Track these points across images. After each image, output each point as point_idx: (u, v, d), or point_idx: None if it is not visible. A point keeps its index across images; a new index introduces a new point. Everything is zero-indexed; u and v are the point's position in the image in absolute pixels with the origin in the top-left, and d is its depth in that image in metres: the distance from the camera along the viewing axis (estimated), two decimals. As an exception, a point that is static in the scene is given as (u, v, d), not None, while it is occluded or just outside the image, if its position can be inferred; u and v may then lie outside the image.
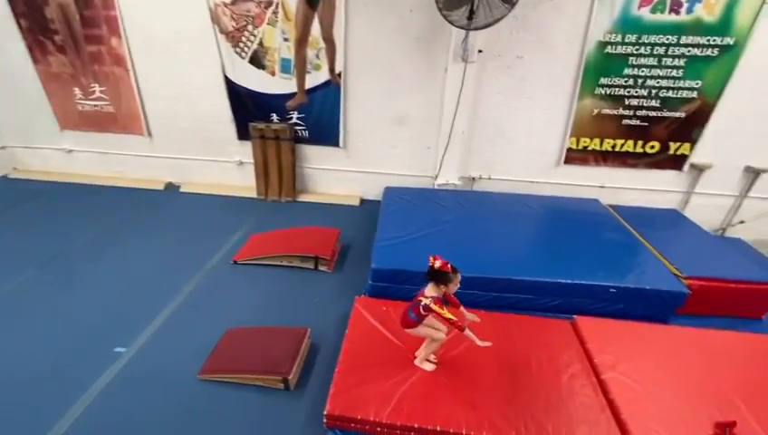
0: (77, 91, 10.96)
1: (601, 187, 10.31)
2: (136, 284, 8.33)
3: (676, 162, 9.97)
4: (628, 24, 8.99)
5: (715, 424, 5.93)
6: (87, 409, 6.49)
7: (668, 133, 9.72)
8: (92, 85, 10.84)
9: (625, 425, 5.91)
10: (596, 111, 9.65)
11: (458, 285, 6.01)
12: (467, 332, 5.91)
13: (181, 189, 11.45)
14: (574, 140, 9.94)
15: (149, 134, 11.22)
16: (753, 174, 9.94)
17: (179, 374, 6.91)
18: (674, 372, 6.54)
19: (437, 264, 5.94)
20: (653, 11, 8.87)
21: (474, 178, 10.54)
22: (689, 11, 8.83)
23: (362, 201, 11.16)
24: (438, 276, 5.97)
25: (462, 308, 6.21)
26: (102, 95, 10.91)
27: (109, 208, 10.50)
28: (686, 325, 7.36)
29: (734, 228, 10.34)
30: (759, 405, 6.17)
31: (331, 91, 10.15)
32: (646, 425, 5.89)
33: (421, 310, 6.06)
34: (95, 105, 11.06)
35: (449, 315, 5.87)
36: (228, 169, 11.36)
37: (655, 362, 6.63)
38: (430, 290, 6.03)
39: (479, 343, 5.95)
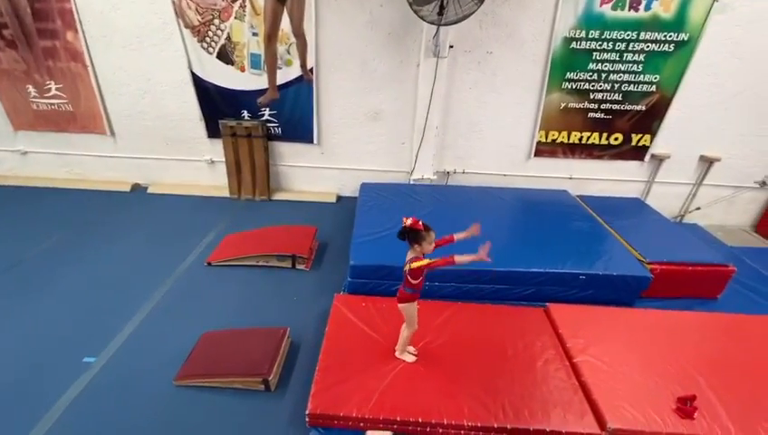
0: (31, 88, 10.48)
1: (570, 178, 10.71)
2: (104, 290, 8.01)
3: (638, 153, 10.41)
4: (591, 21, 9.36)
5: (677, 399, 6.37)
6: (53, 426, 6.21)
7: (630, 126, 10.14)
8: (48, 82, 10.36)
9: (596, 404, 6.30)
10: (563, 105, 10.04)
11: (433, 244, 6.01)
12: (460, 258, 5.88)
13: (149, 190, 11.09)
14: (543, 133, 10.32)
15: (112, 133, 10.85)
16: (706, 163, 10.41)
17: (154, 382, 6.69)
18: (640, 351, 6.96)
19: (408, 222, 5.97)
20: (614, 8, 9.24)
21: (448, 173, 10.81)
22: (647, 8, 9.22)
23: (339, 198, 11.12)
24: (411, 235, 6.00)
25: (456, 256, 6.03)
26: (59, 93, 10.46)
27: (71, 212, 10.09)
28: (649, 308, 7.82)
29: (691, 215, 10.81)
30: (715, 378, 6.63)
31: (303, 87, 10.10)
32: (615, 404, 6.28)
33: (409, 278, 6.12)
34: (51, 104, 10.56)
35: (426, 261, 5.93)
36: (199, 168, 11.13)
37: (622, 344, 7.04)
38: (409, 255, 6.08)
39: (479, 256, 5.88)
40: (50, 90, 10.45)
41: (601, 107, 9.98)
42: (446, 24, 8.36)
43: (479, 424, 6.11)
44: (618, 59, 9.57)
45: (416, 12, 8.24)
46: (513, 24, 9.52)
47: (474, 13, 8.19)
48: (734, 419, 6.19)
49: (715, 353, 6.99)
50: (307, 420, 6.16)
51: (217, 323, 7.52)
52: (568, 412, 6.27)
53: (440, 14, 8.27)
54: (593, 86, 9.81)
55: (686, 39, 9.37)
